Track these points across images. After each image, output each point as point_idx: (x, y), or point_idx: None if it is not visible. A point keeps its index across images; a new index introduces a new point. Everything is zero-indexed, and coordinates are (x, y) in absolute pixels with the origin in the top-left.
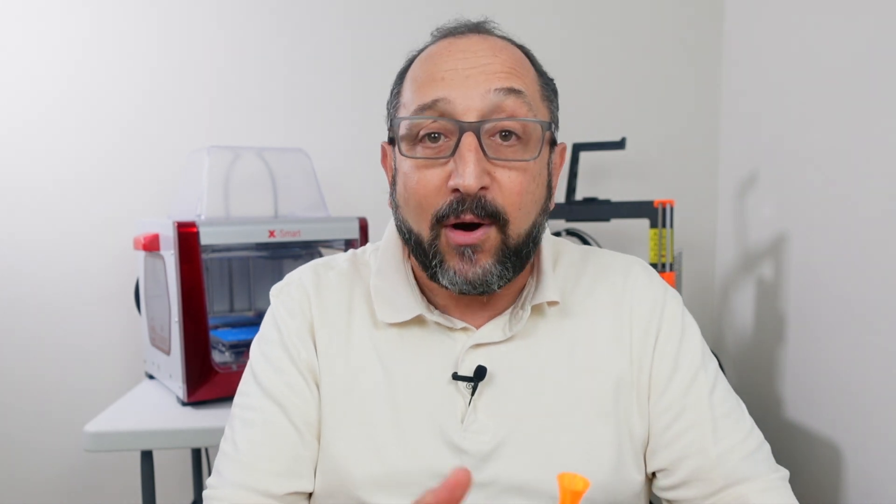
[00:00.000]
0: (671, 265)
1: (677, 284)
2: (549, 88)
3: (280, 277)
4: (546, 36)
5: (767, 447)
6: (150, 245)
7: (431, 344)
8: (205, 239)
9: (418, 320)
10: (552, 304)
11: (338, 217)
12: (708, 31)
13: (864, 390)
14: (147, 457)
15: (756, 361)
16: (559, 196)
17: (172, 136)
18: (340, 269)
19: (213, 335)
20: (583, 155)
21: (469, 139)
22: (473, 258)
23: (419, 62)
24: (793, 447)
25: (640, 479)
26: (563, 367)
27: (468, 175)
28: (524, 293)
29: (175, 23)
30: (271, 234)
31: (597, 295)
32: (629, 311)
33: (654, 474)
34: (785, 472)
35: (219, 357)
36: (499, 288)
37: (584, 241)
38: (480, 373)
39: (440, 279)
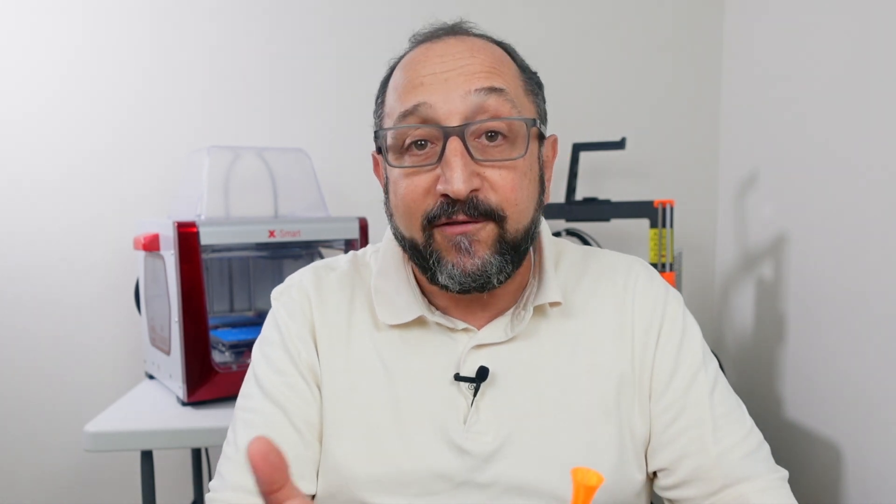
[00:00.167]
0: (671, 265)
1: (677, 284)
2: (532, 82)
3: (280, 277)
4: (546, 36)
5: (767, 447)
6: (150, 245)
7: (433, 345)
8: (205, 239)
9: (419, 321)
10: (554, 304)
11: (338, 217)
12: (708, 31)
13: (864, 390)
14: (147, 457)
15: (756, 361)
16: (559, 196)
17: (172, 136)
18: (341, 270)
19: (213, 335)
20: (583, 155)
21: (454, 143)
22: (471, 249)
23: (399, 70)
24: (793, 447)
25: (641, 478)
26: (565, 367)
27: (455, 180)
28: (526, 293)
29: (175, 23)
30: (271, 234)
31: (598, 295)
32: (630, 311)
33: (654, 474)
34: (784, 473)
35: (219, 357)
36: (498, 283)
37: (584, 241)
38: (482, 373)
39: (439, 278)
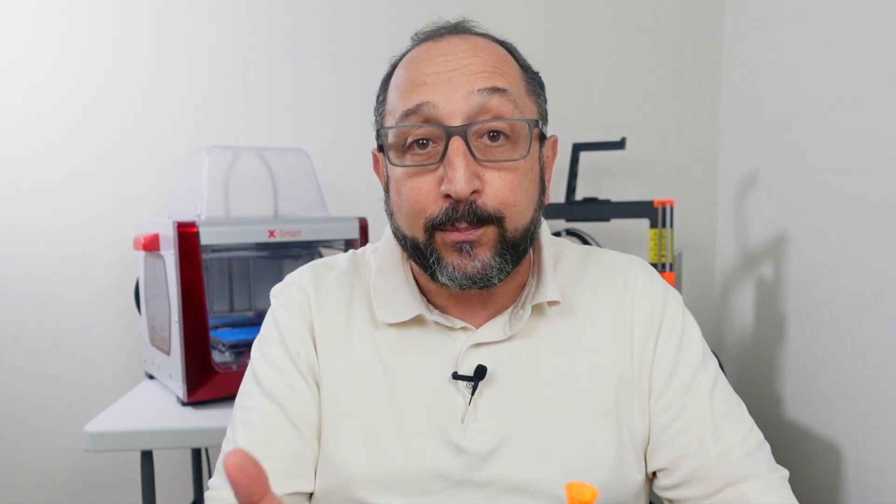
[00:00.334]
0: (671, 265)
1: (677, 284)
2: (534, 82)
3: (280, 277)
4: (546, 36)
5: (767, 447)
6: (150, 245)
7: (431, 343)
8: (205, 239)
9: (418, 320)
10: (553, 303)
11: (338, 217)
12: (708, 32)
13: (864, 390)
14: (147, 457)
15: (756, 361)
16: (559, 196)
17: (172, 136)
18: (340, 269)
19: (213, 335)
20: (583, 155)
21: (457, 143)
22: (472, 252)
23: (401, 68)
24: (793, 447)
25: (640, 478)
26: (564, 366)
27: (458, 180)
28: (524, 292)
29: (175, 23)
30: (271, 234)
31: (598, 294)
32: (630, 311)
33: (654, 474)
34: (785, 472)
35: (219, 357)
36: (498, 282)
37: (584, 241)
38: (480, 372)
39: (439, 277)
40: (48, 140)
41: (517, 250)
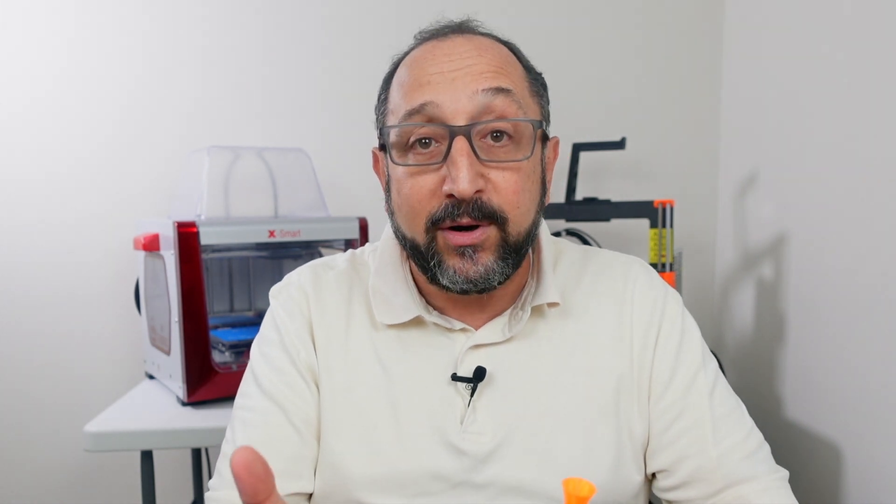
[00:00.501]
0: (671, 265)
1: (677, 284)
2: (537, 83)
3: (280, 277)
4: (546, 36)
5: (767, 447)
6: (150, 245)
7: (430, 345)
8: (205, 239)
9: (417, 321)
10: (552, 305)
11: (338, 217)
12: (708, 31)
13: (864, 390)
14: (147, 457)
15: (756, 361)
16: (559, 196)
17: (173, 136)
18: (339, 269)
19: (213, 335)
20: (583, 155)
21: (460, 143)
22: (474, 257)
23: (404, 66)
24: (793, 447)
25: (639, 479)
26: (563, 367)
27: (462, 180)
28: (524, 294)
29: (175, 23)
30: (271, 234)
31: (597, 295)
32: (630, 312)
33: (654, 475)
34: (785, 473)
35: (219, 357)
36: (498, 285)
37: (584, 241)
38: (480, 374)
39: (440, 279)
40: (48, 140)
41: (518, 253)
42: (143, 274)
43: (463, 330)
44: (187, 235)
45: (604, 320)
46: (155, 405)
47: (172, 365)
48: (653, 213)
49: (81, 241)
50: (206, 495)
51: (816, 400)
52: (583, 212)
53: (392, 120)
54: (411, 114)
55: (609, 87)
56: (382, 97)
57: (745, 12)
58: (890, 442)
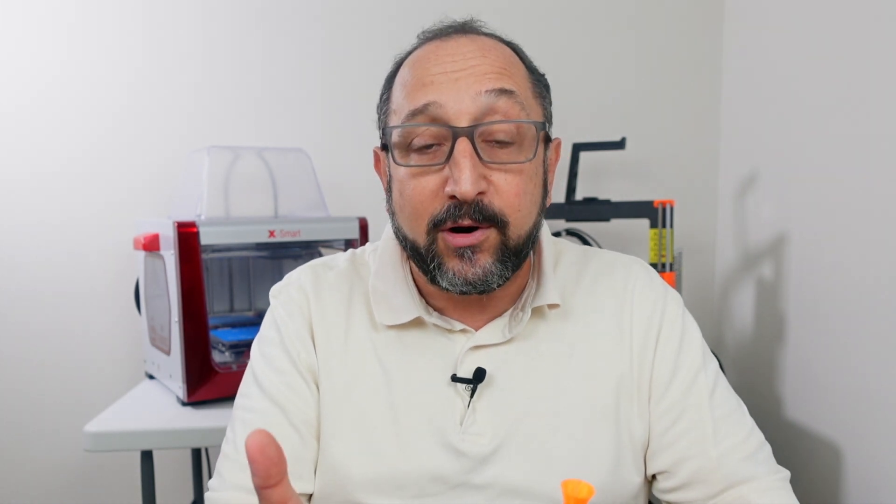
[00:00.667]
0: (671, 265)
1: (677, 284)
2: (540, 84)
3: (280, 277)
4: (546, 36)
5: (768, 448)
6: (150, 245)
7: (430, 346)
8: (205, 239)
9: (417, 322)
10: (552, 306)
11: (338, 217)
12: (708, 31)
13: (864, 390)
14: (147, 457)
15: (756, 361)
16: (559, 196)
17: (172, 136)
18: (339, 269)
19: (213, 335)
20: (583, 155)
21: (463, 144)
22: (473, 258)
23: (407, 66)
24: (793, 447)
25: (638, 480)
26: (563, 369)
27: (464, 181)
28: (524, 295)
29: (175, 23)
30: (271, 234)
31: (597, 295)
32: (630, 313)
33: (654, 476)
34: (786, 473)
35: (219, 357)
36: (497, 287)
37: (584, 241)
38: (479, 375)
39: (439, 281)
40: (47, 139)
41: (518, 256)
42: (143, 274)
43: (463, 331)
44: (187, 235)
45: (604, 321)
46: (155, 405)
47: (172, 365)
48: (653, 213)
49: (81, 241)
50: (207, 496)
51: (816, 400)
52: (583, 212)
53: (394, 120)
54: (414, 114)
55: (609, 87)
56: (384, 97)
57: (744, 12)
58: (890, 442)
